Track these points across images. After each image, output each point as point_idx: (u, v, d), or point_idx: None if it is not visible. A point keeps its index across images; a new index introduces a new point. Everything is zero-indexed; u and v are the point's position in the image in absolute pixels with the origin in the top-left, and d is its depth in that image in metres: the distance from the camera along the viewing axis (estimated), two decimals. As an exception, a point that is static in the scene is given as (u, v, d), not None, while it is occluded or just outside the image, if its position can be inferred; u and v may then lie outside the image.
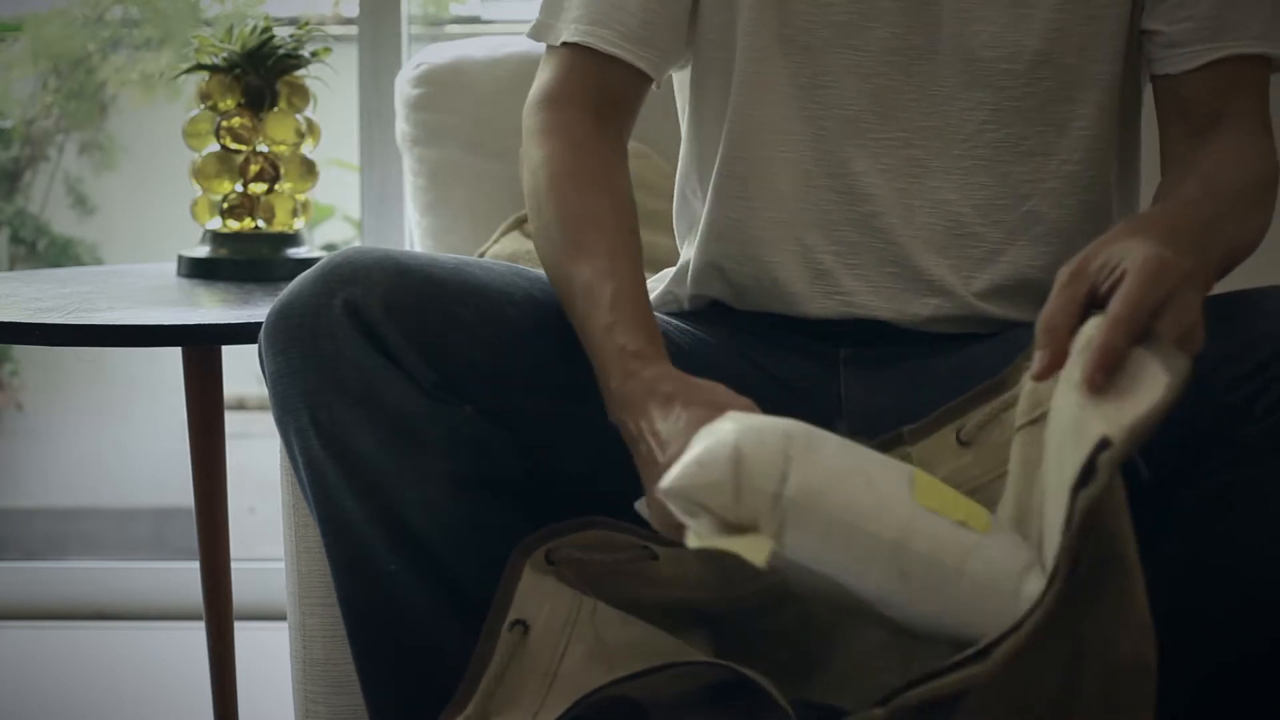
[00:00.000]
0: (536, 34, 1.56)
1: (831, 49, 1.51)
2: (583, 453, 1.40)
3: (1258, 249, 1.47)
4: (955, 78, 1.50)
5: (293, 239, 2.08)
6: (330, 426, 1.36)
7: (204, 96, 2.08)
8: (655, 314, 1.48)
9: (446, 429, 1.35)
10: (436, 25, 3.33)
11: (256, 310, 1.84)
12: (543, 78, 1.55)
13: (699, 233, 1.57)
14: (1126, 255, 1.23)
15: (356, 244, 3.11)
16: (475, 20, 3.44)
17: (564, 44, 1.53)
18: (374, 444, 1.35)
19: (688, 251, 1.60)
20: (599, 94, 1.53)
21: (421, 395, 1.35)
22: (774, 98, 1.52)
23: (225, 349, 1.97)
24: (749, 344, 1.54)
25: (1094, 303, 1.23)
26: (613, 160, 1.51)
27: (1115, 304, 1.20)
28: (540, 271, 1.49)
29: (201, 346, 1.97)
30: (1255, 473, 1.28)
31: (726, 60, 1.54)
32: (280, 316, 1.39)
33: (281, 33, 2.08)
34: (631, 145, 2.14)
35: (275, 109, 2.07)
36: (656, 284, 1.63)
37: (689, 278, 1.59)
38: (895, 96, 1.51)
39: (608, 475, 1.37)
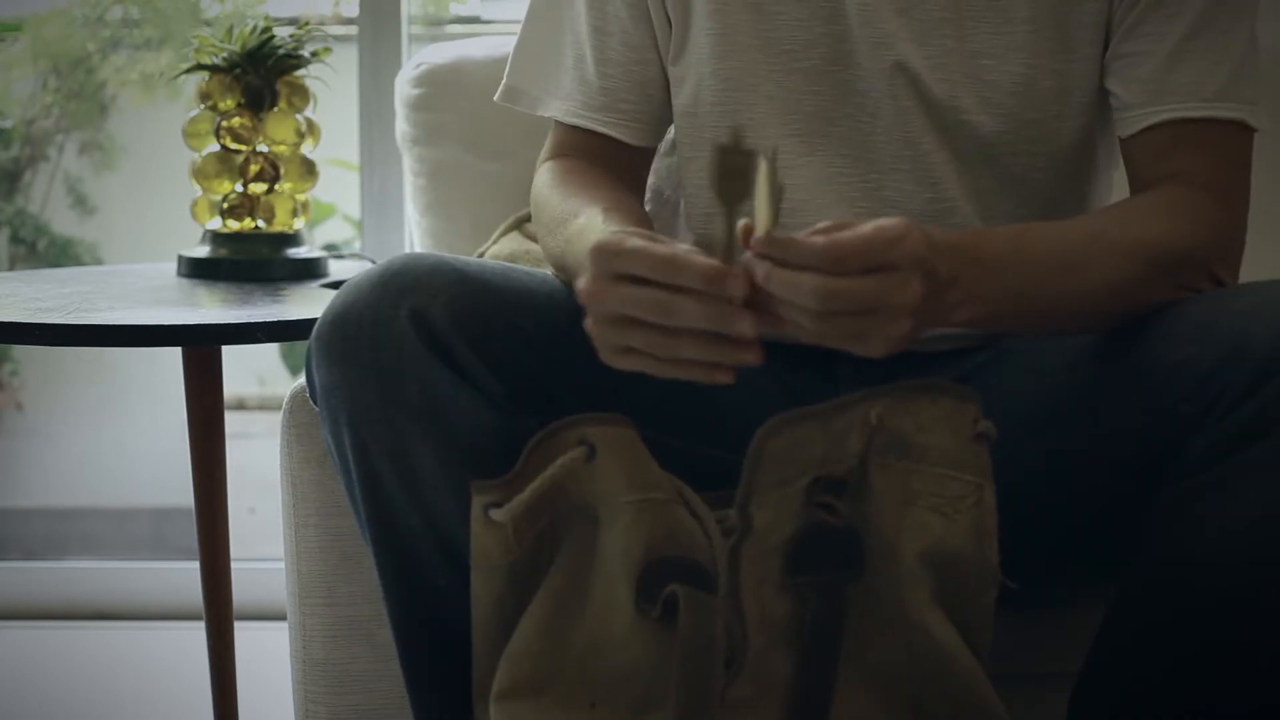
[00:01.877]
0: (512, 100, 1.61)
1: (796, 97, 1.50)
2: None
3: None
4: (909, 123, 1.49)
5: (293, 239, 2.08)
6: (390, 441, 1.33)
7: (204, 96, 2.08)
8: None
9: (515, 443, 1.32)
10: (436, 25, 3.33)
11: (256, 310, 1.84)
12: (543, 152, 1.61)
13: None
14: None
15: (356, 245, 3.11)
16: (475, 20, 3.44)
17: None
18: (436, 459, 1.33)
19: None
20: (596, 157, 1.56)
21: (490, 409, 1.34)
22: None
23: (225, 349, 1.97)
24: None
25: None
26: (600, 175, 1.54)
27: (842, 228, 1.21)
28: None
29: (201, 346, 1.97)
30: (1211, 479, 1.28)
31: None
32: (335, 327, 1.35)
33: (281, 33, 2.08)
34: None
35: (275, 109, 2.07)
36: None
37: None
38: (847, 145, 1.50)
39: None
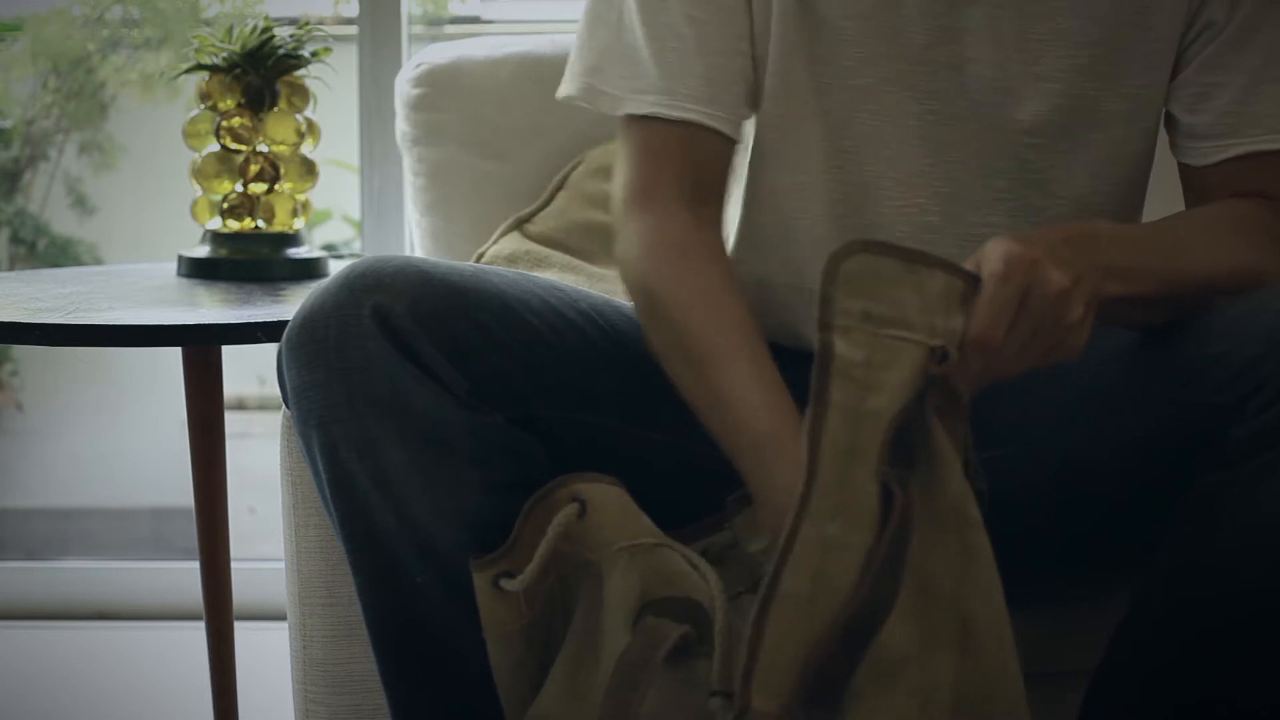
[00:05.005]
0: (591, 100, 1.48)
1: (851, 113, 1.47)
2: (605, 462, 1.38)
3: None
4: (974, 146, 1.48)
5: (293, 239, 2.08)
6: (360, 439, 1.34)
7: (204, 96, 2.09)
8: None
9: (480, 437, 1.34)
10: (436, 25, 3.33)
11: (256, 310, 1.84)
12: (625, 167, 1.46)
13: None
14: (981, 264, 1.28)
15: (356, 245, 3.11)
16: (475, 20, 3.44)
17: (633, 118, 1.45)
18: (405, 455, 1.34)
19: None
20: (687, 173, 1.44)
21: (455, 403, 1.34)
22: (795, 163, 1.49)
23: (225, 349, 1.97)
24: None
25: None
26: (718, 259, 1.44)
27: (971, 326, 1.25)
28: (550, 278, 1.48)
29: (201, 346, 1.97)
30: (1245, 472, 1.28)
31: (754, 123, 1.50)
32: (302, 329, 1.36)
33: (281, 33, 2.08)
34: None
35: (275, 109, 2.07)
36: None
37: None
38: (912, 163, 1.48)
39: (630, 482, 1.36)
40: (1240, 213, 1.46)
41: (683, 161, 1.44)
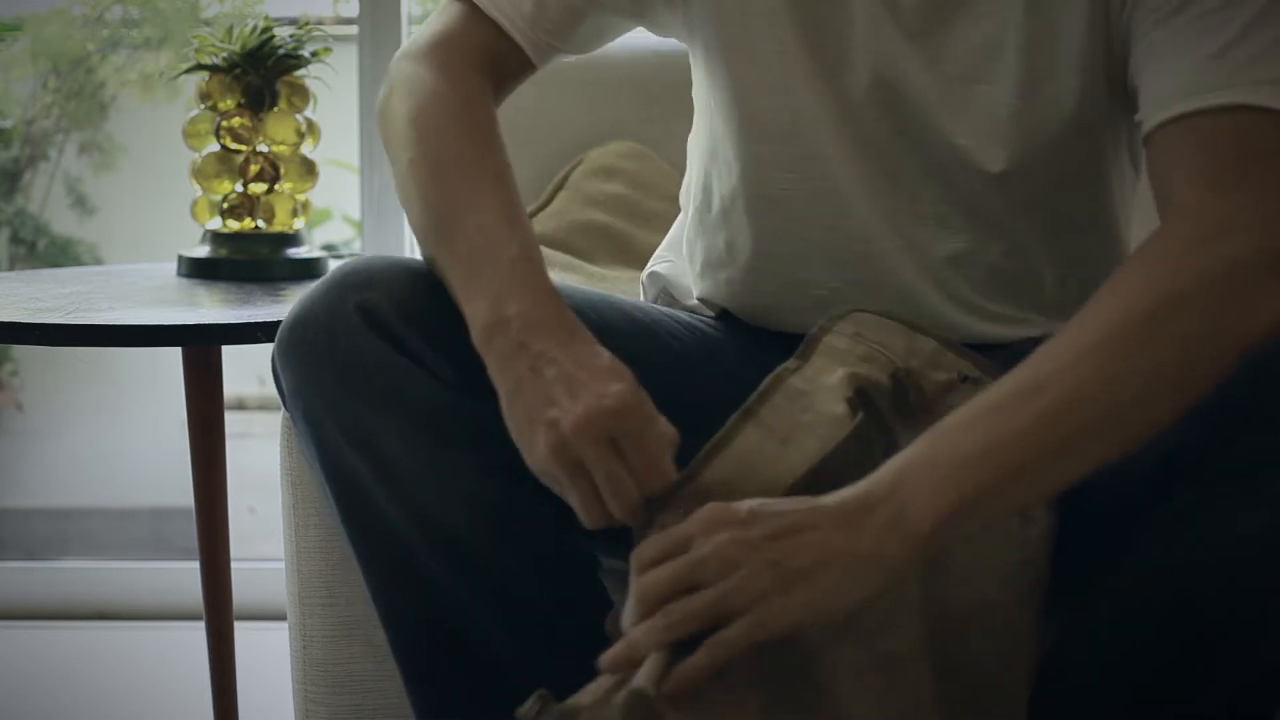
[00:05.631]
0: None
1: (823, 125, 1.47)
2: None
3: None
4: (957, 160, 1.46)
5: (293, 239, 2.08)
6: (359, 433, 1.34)
7: (204, 96, 2.09)
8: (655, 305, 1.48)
9: (475, 422, 1.34)
10: (436, 25, 3.32)
11: (256, 310, 1.84)
12: (435, 26, 1.54)
13: (698, 258, 1.56)
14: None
15: (356, 245, 3.11)
16: (475, 20, 3.44)
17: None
18: (404, 445, 1.34)
19: (695, 268, 1.59)
20: (487, 61, 1.51)
21: (447, 390, 1.34)
22: (780, 131, 1.48)
23: (225, 349, 1.97)
24: (752, 345, 1.53)
25: None
26: (492, 113, 1.49)
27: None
28: None
29: (201, 346, 1.97)
30: (1222, 493, 1.26)
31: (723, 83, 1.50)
32: (294, 330, 1.37)
33: (281, 33, 2.08)
34: (631, 145, 2.14)
35: (275, 109, 2.07)
36: (661, 282, 1.64)
37: (695, 289, 1.58)
38: (893, 166, 1.47)
39: None
40: (1126, 302, 1.27)
41: (483, 52, 1.51)
